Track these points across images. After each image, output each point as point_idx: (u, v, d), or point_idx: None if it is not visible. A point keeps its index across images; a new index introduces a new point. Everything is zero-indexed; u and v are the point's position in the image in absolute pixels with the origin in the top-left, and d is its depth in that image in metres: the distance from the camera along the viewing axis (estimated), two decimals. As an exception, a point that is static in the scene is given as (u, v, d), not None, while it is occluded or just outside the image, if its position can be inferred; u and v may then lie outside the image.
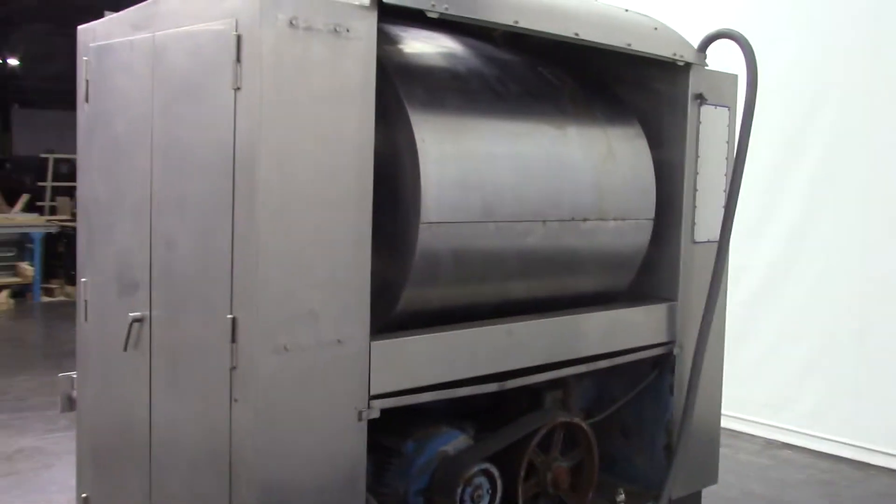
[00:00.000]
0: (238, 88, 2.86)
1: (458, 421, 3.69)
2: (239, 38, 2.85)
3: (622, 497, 4.22)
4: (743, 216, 6.35)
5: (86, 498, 3.80)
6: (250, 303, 2.87)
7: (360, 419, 3.12)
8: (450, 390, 3.42)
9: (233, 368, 2.92)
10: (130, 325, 3.33)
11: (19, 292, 12.80)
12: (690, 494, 4.55)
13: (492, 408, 3.97)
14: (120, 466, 3.56)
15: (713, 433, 4.69)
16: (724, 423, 6.45)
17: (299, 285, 2.93)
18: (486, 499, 3.47)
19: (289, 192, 2.87)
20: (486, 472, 3.45)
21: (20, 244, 13.06)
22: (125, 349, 3.36)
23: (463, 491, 3.39)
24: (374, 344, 3.14)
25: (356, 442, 3.13)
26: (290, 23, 2.83)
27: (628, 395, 4.36)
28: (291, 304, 2.91)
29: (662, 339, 4.32)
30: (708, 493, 4.76)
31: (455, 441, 3.53)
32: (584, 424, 3.84)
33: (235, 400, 2.92)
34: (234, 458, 2.94)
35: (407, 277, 3.33)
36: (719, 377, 4.65)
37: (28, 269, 12.74)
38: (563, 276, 3.97)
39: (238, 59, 2.85)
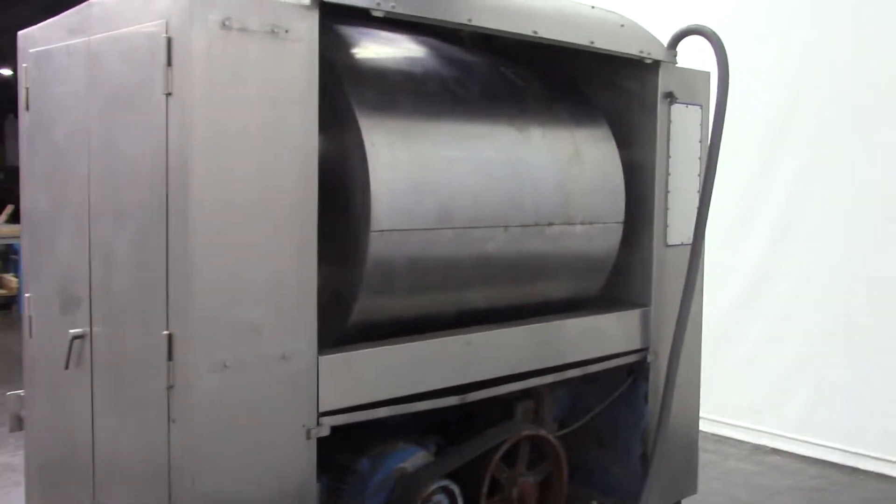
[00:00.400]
0: (169, 94, 2.73)
1: (420, 436, 3.55)
2: (169, 41, 2.72)
3: (596, 509, 4.08)
4: (726, 217, 6.28)
5: (33, 517, 3.67)
6: (186, 318, 2.73)
7: (308, 437, 2.99)
8: (407, 405, 3.28)
9: (170, 387, 2.78)
10: (71, 341, 3.20)
11: (4, 304, 12.66)
12: (669, 505, 4.42)
13: (462, 420, 3.83)
14: (65, 485, 3.42)
15: (691, 441, 4.56)
16: (709, 428, 6.41)
17: (238, 299, 2.79)
18: (447, 517, 3.34)
19: (224, 200, 2.74)
20: (445, 490, 3.31)
21: (4, 255, 12.93)
22: (66, 367, 3.22)
23: (420, 510, 3.25)
24: (323, 358, 3.00)
25: (305, 461, 2.99)
26: (223, 24, 2.70)
27: (602, 405, 4.23)
28: (230, 319, 2.78)
29: (636, 345, 4.19)
30: (691, 503, 4.63)
31: (413, 457, 3.39)
32: (550, 437, 3.70)
33: (173, 420, 2.78)
34: (173, 479, 2.80)
35: (359, 288, 3.20)
36: (696, 383, 4.52)
37: (13, 280, 12.60)
38: (529, 283, 3.83)
39: (169, 63, 2.72)
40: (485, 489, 3.44)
